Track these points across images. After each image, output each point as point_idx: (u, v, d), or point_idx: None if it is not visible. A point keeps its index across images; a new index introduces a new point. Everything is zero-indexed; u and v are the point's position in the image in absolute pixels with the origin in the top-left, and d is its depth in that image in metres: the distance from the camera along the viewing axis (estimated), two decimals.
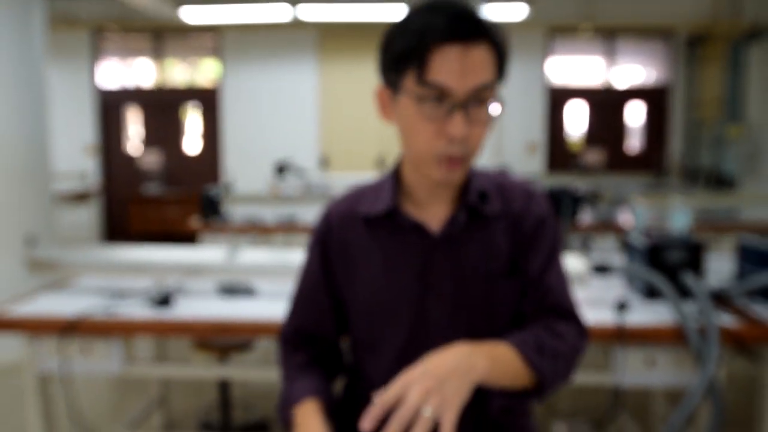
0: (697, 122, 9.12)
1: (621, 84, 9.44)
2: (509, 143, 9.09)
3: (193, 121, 9.82)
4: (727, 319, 2.24)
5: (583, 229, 4.62)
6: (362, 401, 1.32)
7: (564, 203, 4.55)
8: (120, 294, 2.57)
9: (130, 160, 9.80)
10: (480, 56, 1.09)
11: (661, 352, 2.24)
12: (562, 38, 9.31)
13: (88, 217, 9.38)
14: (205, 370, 2.75)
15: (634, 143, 9.65)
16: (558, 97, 9.37)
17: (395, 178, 1.26)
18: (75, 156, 9.34)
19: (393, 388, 0.99)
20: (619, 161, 9.31)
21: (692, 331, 2.11)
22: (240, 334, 2.29)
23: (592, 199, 5.62)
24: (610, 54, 9.36)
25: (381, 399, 0.98)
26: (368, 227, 1.25)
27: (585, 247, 3.23)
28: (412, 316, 1.23)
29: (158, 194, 9.49)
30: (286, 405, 1.25)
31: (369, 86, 9.52)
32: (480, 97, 1.09)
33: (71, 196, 8.69)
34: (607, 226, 4.74)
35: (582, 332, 1.28)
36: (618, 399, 2.35)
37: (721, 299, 2.40)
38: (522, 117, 9.13)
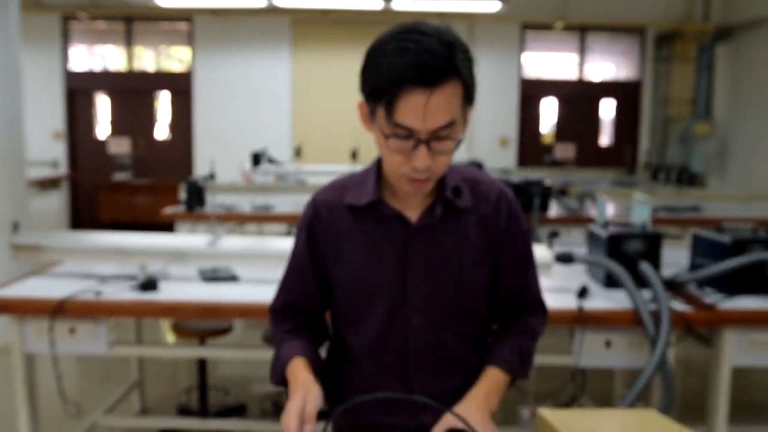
0: (665, 120, 9.38)
1: (593, 80, 9.66)
2: (481, 138, 9.24)
3: (164, 108, 9.79)
4: (679, 305, 2.42)
5: (551, 221, 4.79)
6: (343, 367, 1.47)
7: (533, 196, 4.71)
8: (105, 278, 2.66)
9: (99, 146, 9.72)
10: (444, 97, 1.17)
11: (618, 335, 2.41)
12: (535, 35, 9.49)
13: (55, 205, 9.26)
14: (189, 350, 2.86)
15: (605, 139, 9.88)
16: (531, 93, 9.55)
17: (377, 172, 1.39)
18: (45, 142, 9.26)
19: None
20: (590, 156, 9.52)
21: (646, 314, 2.28)
22: (225, 316, 2.41)
23: (561, 192, 5.81)
24: (583, 51, 9.57)
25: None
26: (353, 216, 1.38)
27: (551, 238, 3.39)
28: (392, 296, 1.37)
29: (128, 182, 9.41)
30: (278, 365, 1.38)
31: (342, 77, 9.59)
32: (443, 134, 1.21)
33: (42, 183, 8.60)
34: (576, 219, 4.91)
35: (545, 317, 1.52)
36: (578, 379, 2.52)
37: (674, 287, 2.58)
38: (495, 112, 9.28)
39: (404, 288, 1.36)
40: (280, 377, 1.38)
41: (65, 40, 9.44)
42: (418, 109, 1.16)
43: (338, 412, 1.18)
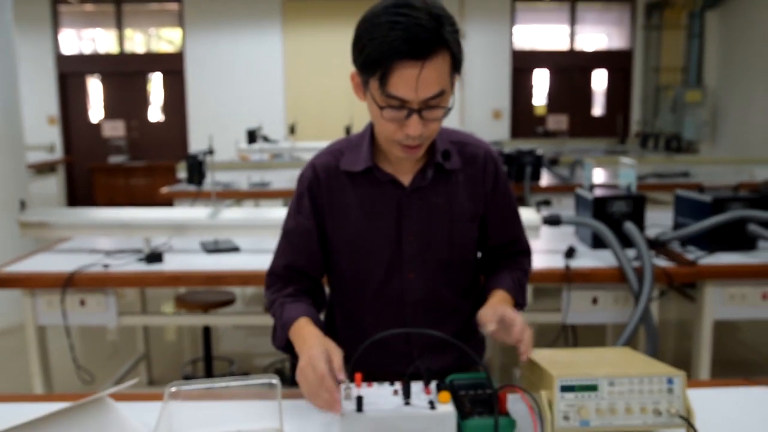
0: (657, 88, 9.43)
1: (585, 50, 9.70)
2: (474, 111, 9.31)
3: (157, 90, 9.81)
4: (662, 262, 2.53)
5: (543, 189, 4.90)
6: (342, 327, 1.56)
7: (525, 165, 4.81)
8: (112, 253, 2.76)
9: (93, 130, 9.76)
10: (435, 68, 1.24)
11: (604, 292, 2.53)
12: (526, 6, 9.51)
13: (52, 189, 9.31)
14: (194, 318, 2.98)
15: (597, 109, 9.95)
16: (523, 65, 9.60)
17: (371, 139, 1.48)
18: (40, 127, 9.30)
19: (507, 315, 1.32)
20: (582, 127, 9.60)
21: (630, 271, 2.40)
22: (228, 284, 2.51)
23: (552, 162, 5.91)
24: (574, 21, 9.60)
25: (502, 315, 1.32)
26: (350, 180, 1.47)
27: (539, 205, 3.49)
28: (389, 254, 1.47)
29: (124, 164, 9.47)
30: (281, 328, 1.44)
31: (334, 52, 9.62)
32: (433, 103, 1.29)
33: (39, 167, 8.65)
34: (567, 187, 5.01)
35: (531, 256, 1.66)
36: (568, 334, 2.64)
37: (658, 246, 2.69)
38: (487, 85, 9.33)
39: (400, 246, 1.46)
40: (283, 339, 1.42)
41: (55, 23, 9.43)
42: (410, 81, 1.23)
43: (360, 351, 1.23)
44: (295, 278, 1.53)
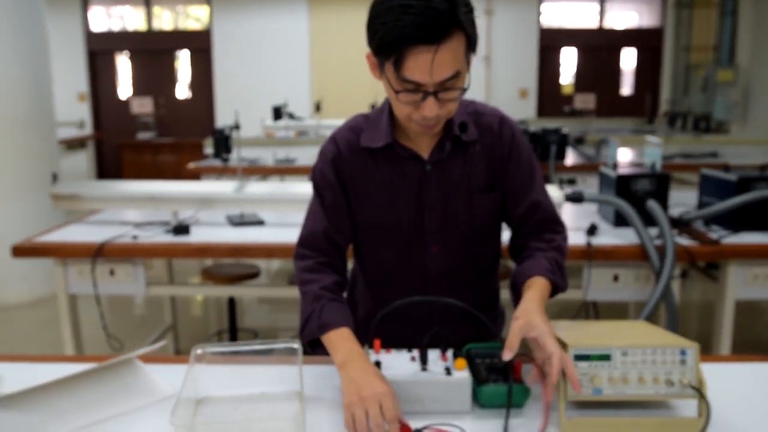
0: (687, 67, 9.25)
1: (614, 28, 9.54)
2: (500, 90, 9.23)
3: (184, 68, 9.89)
4: (685, 241, 2.52)
5: (568, 168, 4.87)
6: (365, 300, 1.60)
7: (550, 144, 4.78)
8: (140, 225, 2.83)
9: (122, 107, 9.89)
10: (449, 51, 1.22)
11: (625, 270, 2.54)
12: None
13: (82, 165, 9.49)
14: (220, 289, 3.05)
15: (626, 89, 9.80)
16: (550, 43, 9.48)
17: (390, 115, 1.49)
18: (70, 104, 9.45)
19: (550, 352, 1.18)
20: (610, 106, 9.47)
21: (652, 248, 2.40)
22: (253, 256, 2.57)
23: (578, 141, 5.86)
24: None
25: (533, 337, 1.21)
26: (371, 156, 1.49)
27: (562, 183, 3.48)
28: (410, 227, 1.50)
29: (151, 140, 9.59)
30: (318, 328, 1.36)
31: (360, 30, 9.51)
32: (449, 85, 1.29)
33: (69, 143, 8.82)
34: (592, 166, 4.98)
35: (565, 231, 1.57)
36: (589, 311, 2.65)
37: (682, 225, 2.68)
38: (514, 63, 9.24)
39: (422, 219, 1.49)
40: (314, 337, 1.37)
41: (85, 1, 9.53)
42: (425, 65, 1.22)
43: (381, 315, 1.25)
44: (324, 248, 1.50)
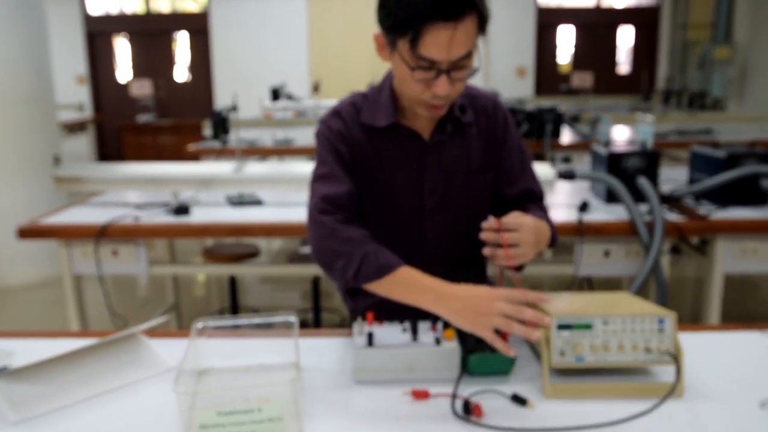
0: (684, 44, 9.24)
1: (612, 6, 9.51)
2: (498, 68, 9.23)
3: (182, 50, 9.88)
4: (674, 217, 2.58)
5: (563, 147, 4.91)
6: None
7: (545, 123, 4.82)
8: (142, 206, 2.89)
9: (121, 89, 9.90)
10: (465, 30, 1.27)
11: (616, 245, 2.60)
12: None
13: (83, 147, 9.52)
14: (221, 268, 3.11)
15: (623, 66, 9.80)
16: (548, 21, 9.46)
17: (391, 95, 1.53)
18: (69, 86, 9.46)
19: (514, 220, 1.35)
20: (607, 84, 9.47)
21: (641, 224, 2.46)
22: (253, 235, 2.62)
23: (574, 119, 5.89)
24: None
25: (503, 222, 1.35)
26: (373, 134, 1.53)
27: (560, 160, 3.53)
28: (410, 204, 1.55)
29: (151, 123, 9.61)
30: (375, 271, 1.37)
31: (358, 11, 9.60)
32: (461, 64, 1.34)
33: (69, 126, 8.85)
34: (587, 144, 5.01)
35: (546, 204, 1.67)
36: (582, 287, 2.71)
37: (672, 201, 2.73)
38: (511, 42, 9.23)
39: (421, 197, 1.54)
40: (371, 278, 1.37)
41: None
42: (442, 43, 1.26)
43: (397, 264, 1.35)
44: (350, 208, 1.48)
